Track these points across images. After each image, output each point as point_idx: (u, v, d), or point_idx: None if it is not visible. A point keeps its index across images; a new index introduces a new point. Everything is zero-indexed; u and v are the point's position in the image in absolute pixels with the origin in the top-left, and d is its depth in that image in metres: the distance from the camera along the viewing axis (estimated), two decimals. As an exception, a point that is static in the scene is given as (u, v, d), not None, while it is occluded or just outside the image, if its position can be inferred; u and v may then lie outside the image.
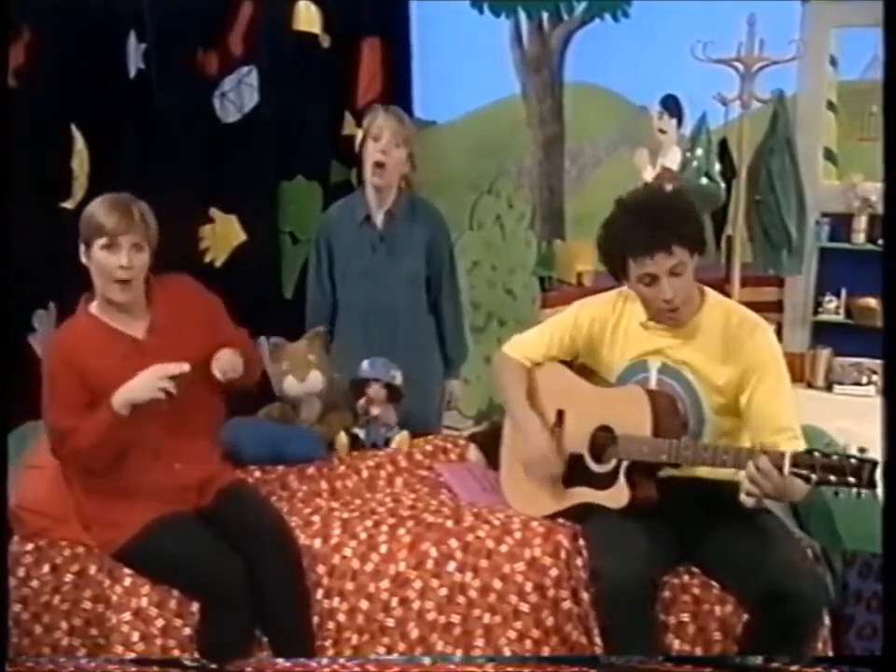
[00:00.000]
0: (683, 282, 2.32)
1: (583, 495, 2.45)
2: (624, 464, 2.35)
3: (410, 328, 3.27)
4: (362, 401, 3.06)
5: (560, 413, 2.54)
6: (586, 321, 2.52)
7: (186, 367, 2.32)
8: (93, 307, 2.46)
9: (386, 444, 3.07)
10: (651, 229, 2.27)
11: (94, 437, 2.34)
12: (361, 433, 3.06)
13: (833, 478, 2.04)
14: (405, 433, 3.09)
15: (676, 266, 2.28)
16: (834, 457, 2.04)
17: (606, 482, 2.39)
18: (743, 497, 2.23)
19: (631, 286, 2.38)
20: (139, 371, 2.33)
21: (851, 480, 2.02)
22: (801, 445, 2.24)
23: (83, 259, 2.39)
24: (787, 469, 2.08)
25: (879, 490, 2.02)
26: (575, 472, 2.48)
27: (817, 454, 2.07)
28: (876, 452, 2.02)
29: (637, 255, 2.28)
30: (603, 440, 2.42)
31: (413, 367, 3.21)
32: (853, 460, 2.03)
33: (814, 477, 2.05)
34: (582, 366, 2.57)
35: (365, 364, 3.05)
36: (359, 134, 3.21)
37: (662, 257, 2.26)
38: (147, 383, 2.32)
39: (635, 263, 2.30)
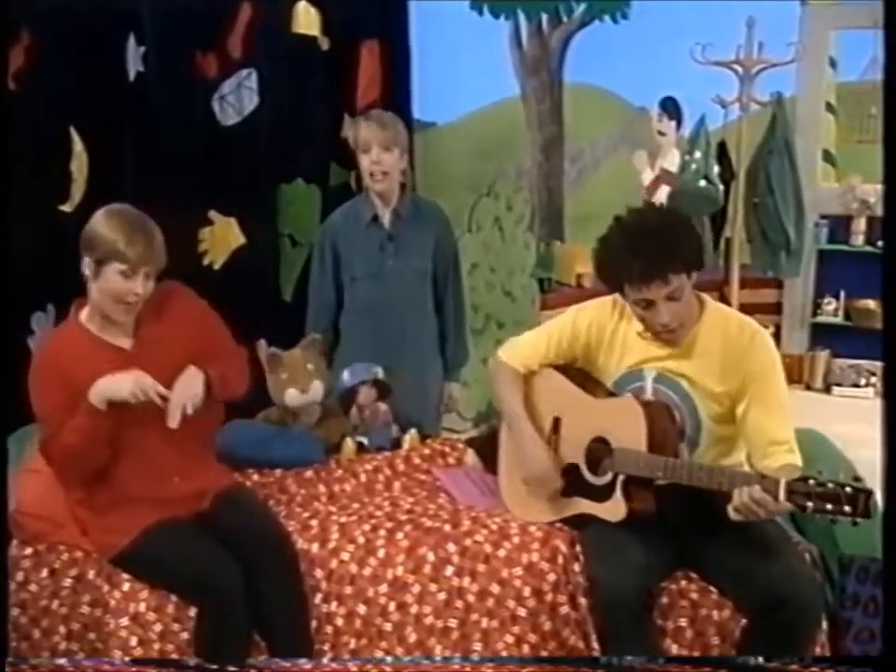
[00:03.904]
0: (680, 305, 2.30)
1: (581, 505, 2.44)
2: (621, 477, 2.34)
3: (417, 326, 3.26)
4: (354, 411, 3.05)
5: (556, 420, 2.53)
6: (584, 326, 2.50)
7: (166, 392, 2.33)
8: (83, 316, 2.44)
9: (396, 446, 3.06)
10: (646, 259, 2.23)
11: (76, 435, 2.32)
12: (364, 439, 3.05)
13: (828, 506, 2.00)
14: (413, 432, 3.08)
15: (673, 292, 2.27)
16: (830, 486, 2.01)
17: (603, 494, 2.38)
18: (732, 513, 2.17)
19: (629, 305, 2.37)
20: None
21: (847, 509, 1.99)
22: (796, 459, 2.24)
23: (85, 270, 2.36)
24: (782, 496, 2.06)
25: (878, 493, 2.01)
26: (572, 482, 2.47)
27: (812, 482, 2.03)
28: (875, 453, 2.01)
29: (633, 283, 2.27)
30: (599, 451, 2.40)
31: (417, 366, 3.23)
32: (848, 489, 1.99)
33: (809, 505, 2.02)
34: (578, 372, 2.55)
35: (345, 375, 3.03)
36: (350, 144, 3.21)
37: (658, 285, 2.25)
38: (127, 384, 2.30)
39: (631, 290, 2.29)
